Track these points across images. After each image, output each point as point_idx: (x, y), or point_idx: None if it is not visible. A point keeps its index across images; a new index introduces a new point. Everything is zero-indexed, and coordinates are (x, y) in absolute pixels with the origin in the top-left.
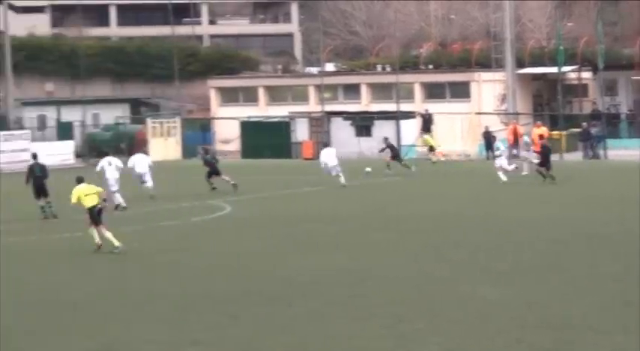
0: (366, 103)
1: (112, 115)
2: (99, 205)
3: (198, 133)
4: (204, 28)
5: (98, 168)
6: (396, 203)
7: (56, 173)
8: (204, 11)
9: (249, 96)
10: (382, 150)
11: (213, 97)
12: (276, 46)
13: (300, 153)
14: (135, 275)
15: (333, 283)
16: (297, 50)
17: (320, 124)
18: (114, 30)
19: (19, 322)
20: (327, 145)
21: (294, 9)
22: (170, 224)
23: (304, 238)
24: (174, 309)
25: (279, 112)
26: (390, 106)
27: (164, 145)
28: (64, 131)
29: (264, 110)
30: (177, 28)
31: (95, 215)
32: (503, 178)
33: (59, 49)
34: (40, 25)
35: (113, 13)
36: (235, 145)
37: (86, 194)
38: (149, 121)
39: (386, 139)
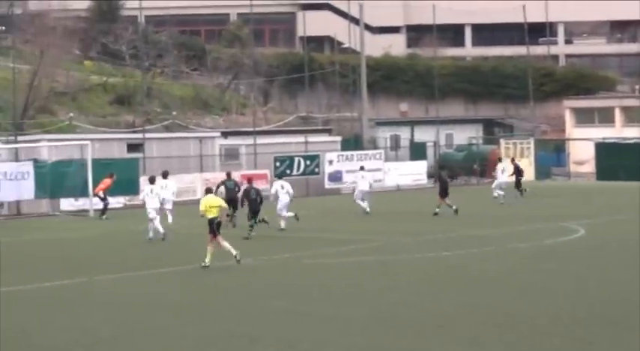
0: None
1: (465, 136)
2: (218, 219)
3: (551, 154)
4: (560, 48)
5: (272, 191)
6: None
7: (409, 193)
8: (561, 31)
9: (604, 117)
10: None
11: (568, 118)
12: (634, 65)
13: None
14: (487, 295)
15: None
16: None
17: None
18: (468, 50)
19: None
20: None
21: None
22: (522, 246)
23: None
24: (533, 332)
25: (635, 133)
26: None
27: None
28: (417, 151)
29: (619, 131)
30: (532, 47)
31: (214, 227)
32: None
33: (414, 69)
34: (396, 45)
35: (468, 33)
36: (590, 167)
37: (211, 206)
38: (502, 142)
39: None
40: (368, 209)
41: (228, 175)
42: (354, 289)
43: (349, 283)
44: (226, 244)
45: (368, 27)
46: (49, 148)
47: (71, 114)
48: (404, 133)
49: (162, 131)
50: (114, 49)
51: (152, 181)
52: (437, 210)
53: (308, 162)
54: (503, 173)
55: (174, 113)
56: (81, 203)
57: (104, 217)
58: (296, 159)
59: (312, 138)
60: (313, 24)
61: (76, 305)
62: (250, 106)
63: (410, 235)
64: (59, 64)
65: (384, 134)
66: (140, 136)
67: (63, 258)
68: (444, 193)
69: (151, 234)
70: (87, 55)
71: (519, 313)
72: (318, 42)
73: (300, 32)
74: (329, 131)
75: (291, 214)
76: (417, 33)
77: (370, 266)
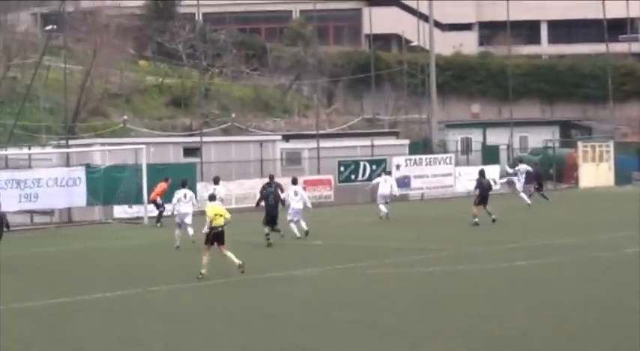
0: None
1: (540, 138)
2: (221, 228)
3: (632, 158)
4: None
5: (283, 195)
6: None
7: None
8: None
9: None
10: None
11: None
12: None
13: None
14: (562, 308)
15: None
16: None
17: None
18: (544, 48)
19: None
20: None
21: None
22: (602, 255)
23: None
24: (606, 348)
25: None
26: None
27: (595, 170)
28: (490, 155)
29: None
30: (612, 45)
31: (219, 235)
32: None
33: (486, 68)
34: (467, 43)
35: (544, 30)
36: None
37: (216, 214)
38: (580, 145)
39: None
40: (384, 214)
41: (271, 178)
42: (422, 300)
43: (417, 294)
44: (230, 254)
45: (438, 24)
46: (102, 152)
47: (125, 116)
48: (475, 136)
49: (220, 134)
50: (170, 49)
51: (184, 185)
52: (475, 220)
53: (374, 166)
54: None
55: (233, 115)
56: (135, 210)
57: (159, 224)
58: (361, 163)
59: (378, 141)
60: (380, 21)
61: (131, 317)
62: (313, 108)
63: (480, 243)
64: (113, 64)
65: (455, 137)
66: (197, 139)
67: (116, 268)
68: (482, 200)
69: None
70: (142, 54)
71: (597, 327)
72: (384, 40)
73: (366, 30)
74: (396, 134)
75: (303, 225)
76: (489, 30)
77: (439, 276)
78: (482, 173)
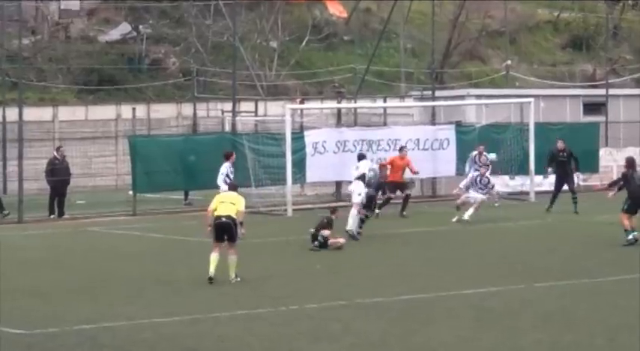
0: None
1: None
2: (227, 219)
3: None
4: None
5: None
6: None
7: None
8: None
9: None
10: None
11: None
12: None
13: None
14: None
15: None
16: None
17: None
18: None
19: None
20: None
21: None
22: None
23: None
24: None
25: None
26: None
27: None
28: None
29: None
30: None
31: (226, 228)
32: None
33: None
34: None
35: None
36: None
37: (222, 202)
38: None
39: None
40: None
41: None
42: None
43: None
44: (233, 261)
45: None
46: (478, 107)
47: (508, 61)
48: None
49: (632, 86)
50: None
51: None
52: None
53: None
54: None
55: None
56: (518, 183)
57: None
58: None
59: None
60: None
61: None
62: None
63: None
64: None
65: None
66: (602, 92)
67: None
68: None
69: None
70: None
71: None
72: None
73: None
74: None
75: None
76: None
77: None
78: (630, 164)
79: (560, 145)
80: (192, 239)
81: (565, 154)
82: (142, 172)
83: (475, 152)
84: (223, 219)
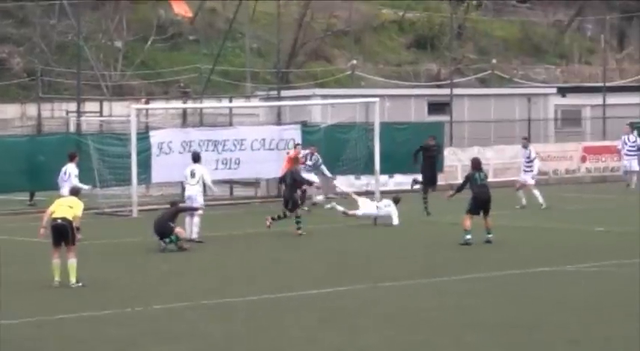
0: None
1: None
2: (64, 221)
3: None
4: None
5: None
6: None
7: None
8: None
9: None
10: None
11: None
12: None
13: None
14: None
15: None
16: None
17: None
18: None
19: None
20: None
21: None
22: None
23: None
24: None
25: None
26: None
27: None
28: None
29: None
30: None
31: (63, 230)
32: None
33: None
34: None
35: None
36: None
37: (60, 205)
38: None
39: None
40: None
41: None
42: None
43: None
44: (72, 264)
45: None
46: (323, 107)
47: (354, 61)
48: None
49: (476, 86)
50: None
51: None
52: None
53: None
54: None
55: (493, 61)
56: (364, 182)
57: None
58: None
59: None
60: None
61: None
62: (599, 53)
63: None
64: None
65: None
66: (446, 92)
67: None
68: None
69: None
70: None
71: None
72: None
73: None
74: None
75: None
76: None
77: None
78: None
79: (430, 141)
80: (36, 240)
81: (434, 150)
82: None
83: (307, 151)
84: (59, 221)
